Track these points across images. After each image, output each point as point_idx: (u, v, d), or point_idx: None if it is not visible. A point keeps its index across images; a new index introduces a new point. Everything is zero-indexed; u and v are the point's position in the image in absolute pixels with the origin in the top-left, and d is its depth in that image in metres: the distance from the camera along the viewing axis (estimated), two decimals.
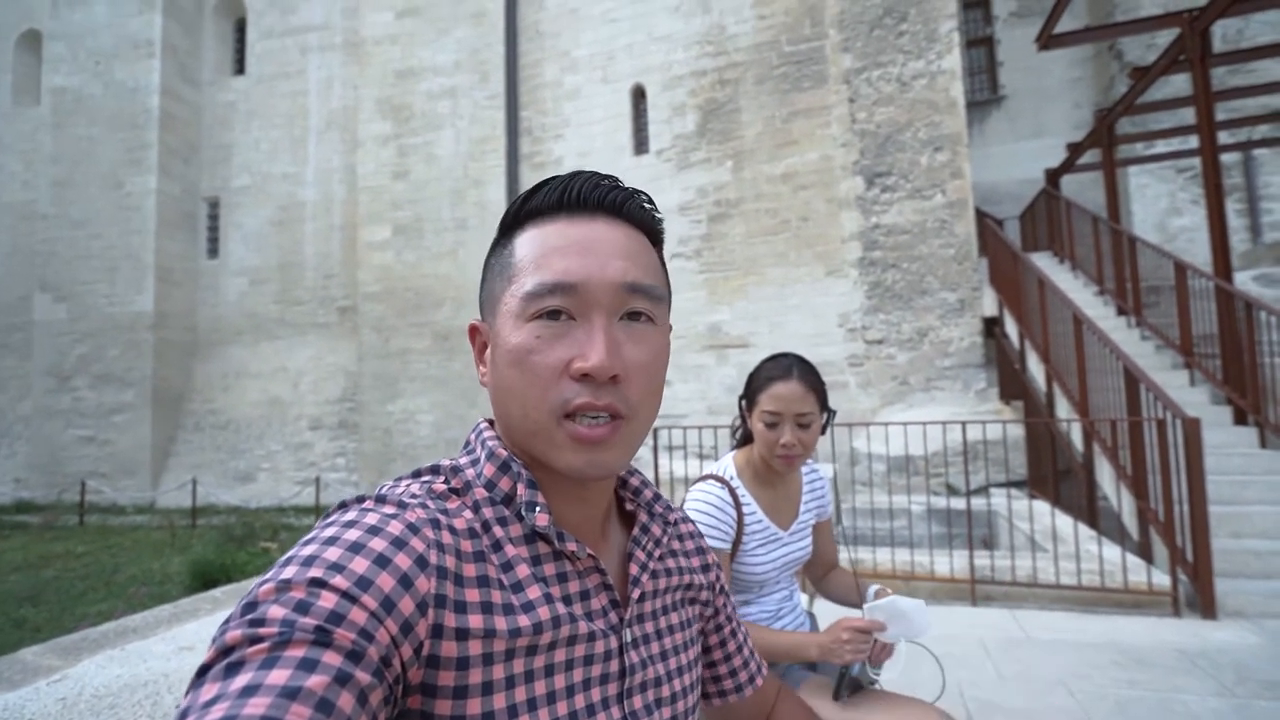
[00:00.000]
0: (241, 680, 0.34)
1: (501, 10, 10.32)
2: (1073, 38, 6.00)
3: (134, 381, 11.72)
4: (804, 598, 1.71)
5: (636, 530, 0.61)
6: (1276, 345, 4.45)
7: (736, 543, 1.32)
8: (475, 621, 0.45)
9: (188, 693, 0.36)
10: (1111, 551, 3.67)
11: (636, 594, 0.57)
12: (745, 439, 1.45)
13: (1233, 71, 7.77)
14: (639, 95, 9.69)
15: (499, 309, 0.53)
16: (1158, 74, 5.89)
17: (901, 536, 4.83)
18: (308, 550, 0.42)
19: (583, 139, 9.86)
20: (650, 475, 5.04)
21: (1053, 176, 8.61)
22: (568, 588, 0.53)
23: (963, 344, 7.56)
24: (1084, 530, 4.07)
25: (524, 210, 0.55)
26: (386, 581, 0.41)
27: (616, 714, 0.53)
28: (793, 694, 0.78)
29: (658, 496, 0.65)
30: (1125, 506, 4.13)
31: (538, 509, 0.51)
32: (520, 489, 0.52)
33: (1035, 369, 6.11)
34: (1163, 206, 9.02)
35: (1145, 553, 3.78)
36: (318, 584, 0.39)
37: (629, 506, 0.64)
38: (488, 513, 0.51)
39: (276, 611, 0.38)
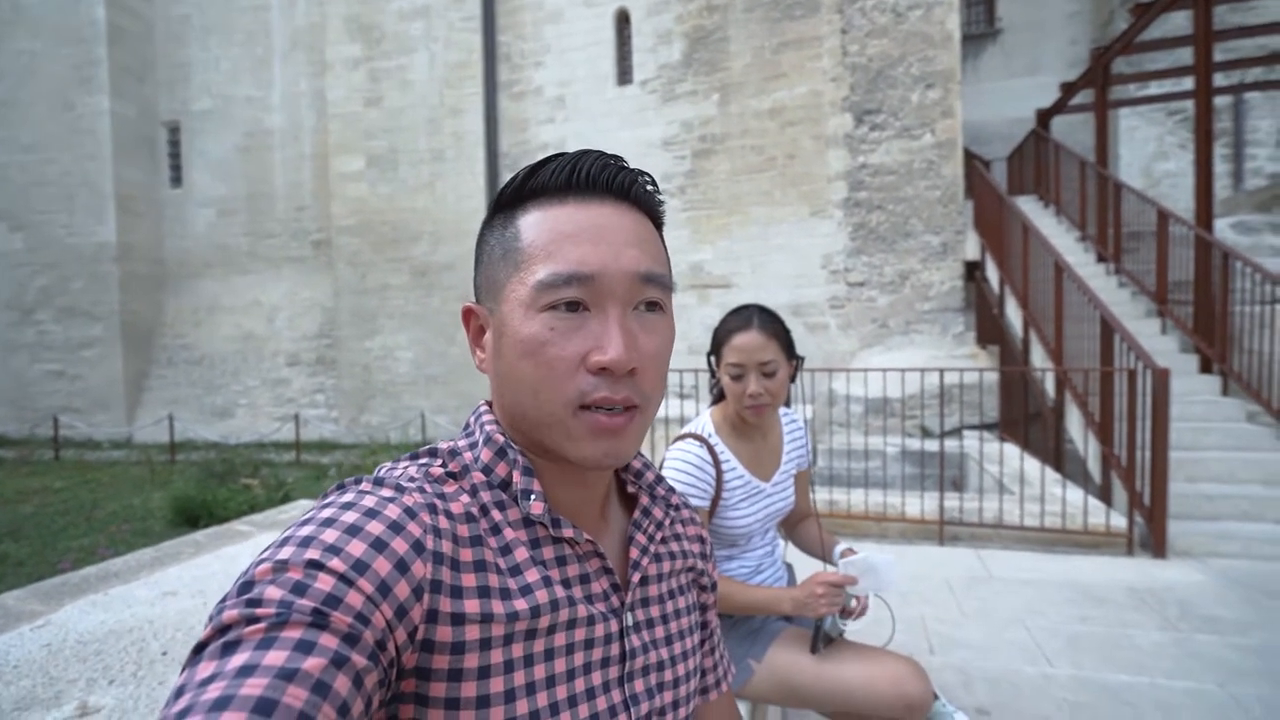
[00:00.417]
0: (238, 660, 0.34)
1: None
2: None
3: (101, 315, 11.40)
4: (782, 546, 1.75)
5: (638, 513, 0.60)
6: (1248, 294, 4.53)
7: (716, 499, 1.34)
8: (472, 606, 0.45)
9: (183, 670, 0.36)
10: (1074, 494, 3.83)
11: (637, 577, 0.57)
12: (721, 395, 1.45)
13: (1233, 9, 7.56)
14: (623, 20, 9.20)
15: (504, 295, 0.51)
16: (1160, 9, 5.70)
17: (875, 478, 4.98)
18: (305, 531, 0.42)
19: (564, 67, 9.40)
20: None
21: (1043, 117, 8.45)
22: (567, 571, 0.52)
23: (943, 288, 7.59)
24: (1050, 474, 4.23)
25: (527, 187, 0.52)
26: (383, 565, 0.41)
27: (617, 697, 0.53)
28: (739, 715, 0.76)
29: (659, 479, 0.64)
30: (1090, 451, 4.28)
31: (533, 496, 0.51)
32: (516, 476, 0.52)
33: (1013, 314, 6.19)
34: (1150, 150, 8.97)
35: (1105, 496, 3.95)
36: (315, 566, 0.39)
37: (630, 489, 0.63)
38: (485, 496, 0.51)
39: (273, 592, 0.38)
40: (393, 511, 0.44)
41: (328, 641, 0.36)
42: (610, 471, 0.59)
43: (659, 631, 0.59)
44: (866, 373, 4.88)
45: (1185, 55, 7.38)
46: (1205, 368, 4.80)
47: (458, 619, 0.45)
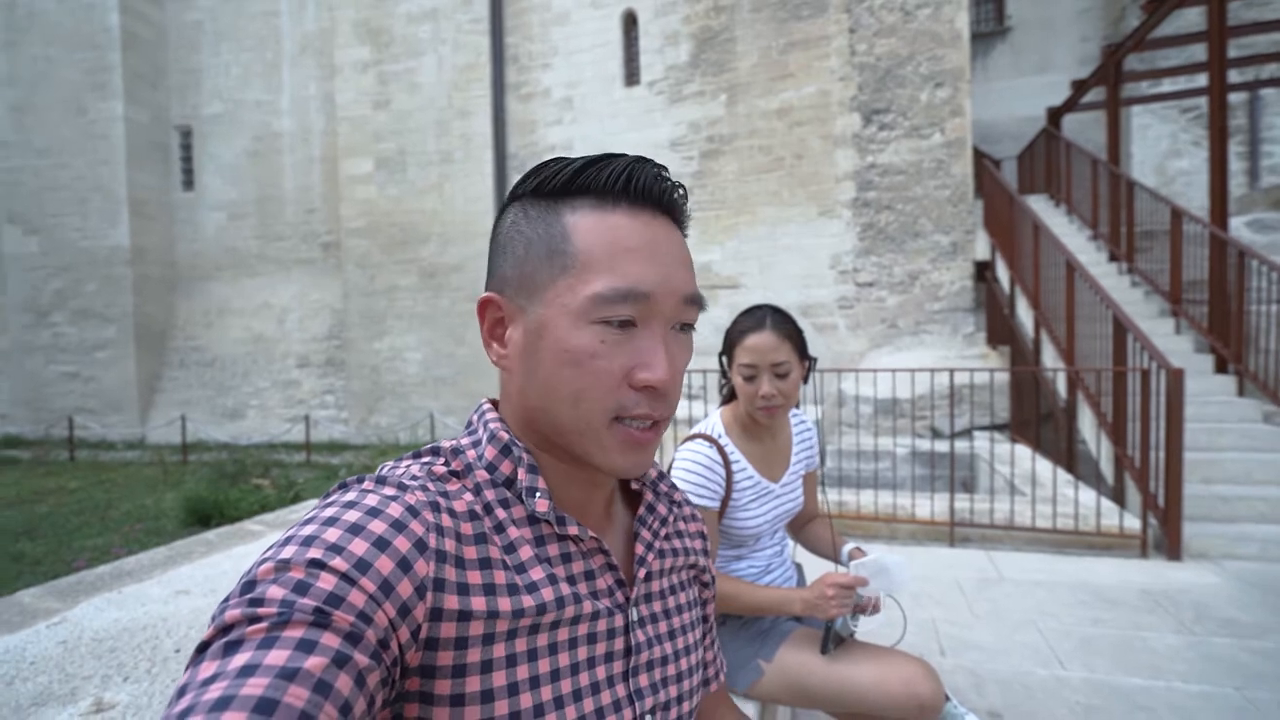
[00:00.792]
0: (240, 659, 0.34)
1: None
2: None
3: (114, 317, 11.53)
4: (791, 546, 1.75)
5: (642, 510, 0.61)
6: (1264, 293, 4.47)
7: (726, 500, 1.33)
8: (479, 603, 0.45)
9: (186, 669, 0.36)
10: (1087, 495, 3.79)
11: (642, 573, 0.57)
12: (732, 395, 1.44)
13: (1247, 5, 7.48)
14: (630, 21, 9.21)
15: (547, 297, 0.50)
16: (1173, 6, 5.65)
17: (885, 478, 4.95)
18: (307, 530, 0.41)
19: (571, 69, 9.42)
20: None
21: (1054, 115, 8.39)
22: (572, 568, 0.52)
23: (953, 288, 7.54)
24: (1062, 475, 4.19)
25: (576, 184, 0.50)
26: (385, 564, 0.41)
27: (621, 691, 0.53)
28: (735, 707, 0.78)
29: (662, 475, 0.65)
30: (1103, 452, 4.24)
31: (538, 494, 0.51)
32: (521, 473, 0.52)
33: (1024, 314, 6.13)
34: (1163, 148, 8.88)
35: (1119, 497, 3.91)
36: (317, 565, 0.39)
37: (634, 485, 0.63)
38: (489, 495, 0.51)
39: (275, 591, 0.37)
40: (395, 510, 0.44)
41: (329, 641, 0.36)
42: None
43: (663, 626, 0.59)
44: (876, 373, 4.85)
45: (1198, 52, 7.31)
46: (1221, 368, 4.74)
47: (464, 615, 0.45)
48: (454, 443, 0.55)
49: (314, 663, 0.35)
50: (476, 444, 0.54)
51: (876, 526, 3.70)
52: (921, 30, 7.58)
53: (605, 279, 0.48)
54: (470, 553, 0.47)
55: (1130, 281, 6.04)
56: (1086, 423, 4.55)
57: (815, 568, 1.68)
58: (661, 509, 0.62)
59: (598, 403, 0.49)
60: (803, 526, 1.59)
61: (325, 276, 11.53)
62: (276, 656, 0.34)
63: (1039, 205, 7.77)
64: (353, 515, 0.43)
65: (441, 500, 0.48)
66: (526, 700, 0.46)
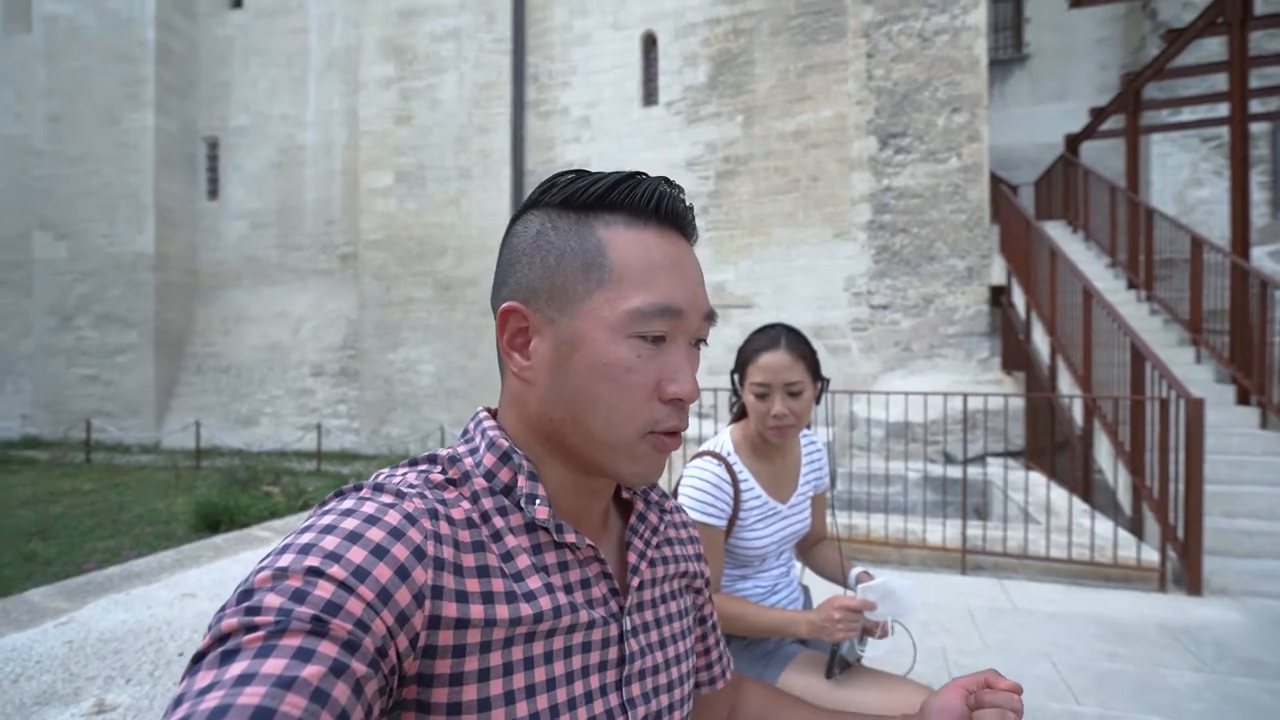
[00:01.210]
0: (237, 668, 0.34)
1: None
2: None
3: (136, 322, 11.74)
4: (797, 568, 1.72)
5: (634, 519, 0.61)
6: None
7: (733, 519, 1.32)
8: (476, 611, 0.45)
9: (183, 679, 0.36)
10: (1103, 526, 3.71)
11: (635, 582, 0.58)
12: (741, 413, 1.43)
13: (1270, 35, 7.46)
14: (650, 43, 9.35)
15: (582, 310, 0.50)
16: (1193, 36, 5.65)
17: (896, 503, 4.89)
18: (305, 538, 0.41)
19: (590, 88, 9.56)
20: None
21: (1072, 142, 8.37)
22: (568, 576, 0.53)
23: (968, 312, 7.49)
24: (1078, 504, 4.11)
25: (608, 199, 0.51)
26: (383, 572, 0.41)
27: (614, 700, 0.53)
28: (749, 680, 0.80)
29: (653, 484, 0.65)
30: (1120, 482, 4.16)
31: (538, 501, 0.51)
32: (521, 480, 0.52)
33: (1040, 340, 6.07)
34: (1183, 177, 8.81)
35: (1136, 528, 3.82)
36: (314, 573, 0.39)
37: (625, 494, 0.64)
38: (487, 503, 0.51)
39: (273, 600, 0.37)
40: (393, 518, 0.44)
41: (327, 649, 0.36)
42: (614, 482, 0.59)
43: (654, 636, 0.59)
44: (888, 396, 4.82)
45: (1219, 81, 7.27)
46: (1243, 399, 4.66)
47: (461, 623, 0.45)
48: (450, 451, 0.55)
49: (311, 671, 0.35)
50: (474, 452, 0.54)
51: (887, 551, 3.64)
52: (939, 56, 7.62)
53: (644, 294, 0.50)
54: (468, 560, 0.47)
55: (1149, 310, 5.97)
56: (1103, 451, 4.47)
57: (822, 591, 1.65)
58: (652, 518, 0.62)
59: (631, 416, 0.50)
60: (810, 548, 1.57)
61: (342, 287, 11.68)
62: (274, 665, 0.34)
63: (1056, 231, 7.72)
64: (350, 523, 0.43)
65: (439, 507, 0.48)
66: (522, 709, 0.46)
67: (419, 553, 0.44)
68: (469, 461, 0.53)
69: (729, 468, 1.34)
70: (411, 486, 0.49)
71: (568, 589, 0.52)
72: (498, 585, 0.47)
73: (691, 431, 5.06)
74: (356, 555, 0.41)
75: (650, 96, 9.32)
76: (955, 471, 5.12)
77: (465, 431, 0.57)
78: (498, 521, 0.50)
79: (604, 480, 0.56)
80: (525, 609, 0.47)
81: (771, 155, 8.48)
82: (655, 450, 0.52)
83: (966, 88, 7.51)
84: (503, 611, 0.46)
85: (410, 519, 0.45)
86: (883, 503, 4.57)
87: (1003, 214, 7.51)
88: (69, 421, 11.86)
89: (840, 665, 1.23)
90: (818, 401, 1.35)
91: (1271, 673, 2.33)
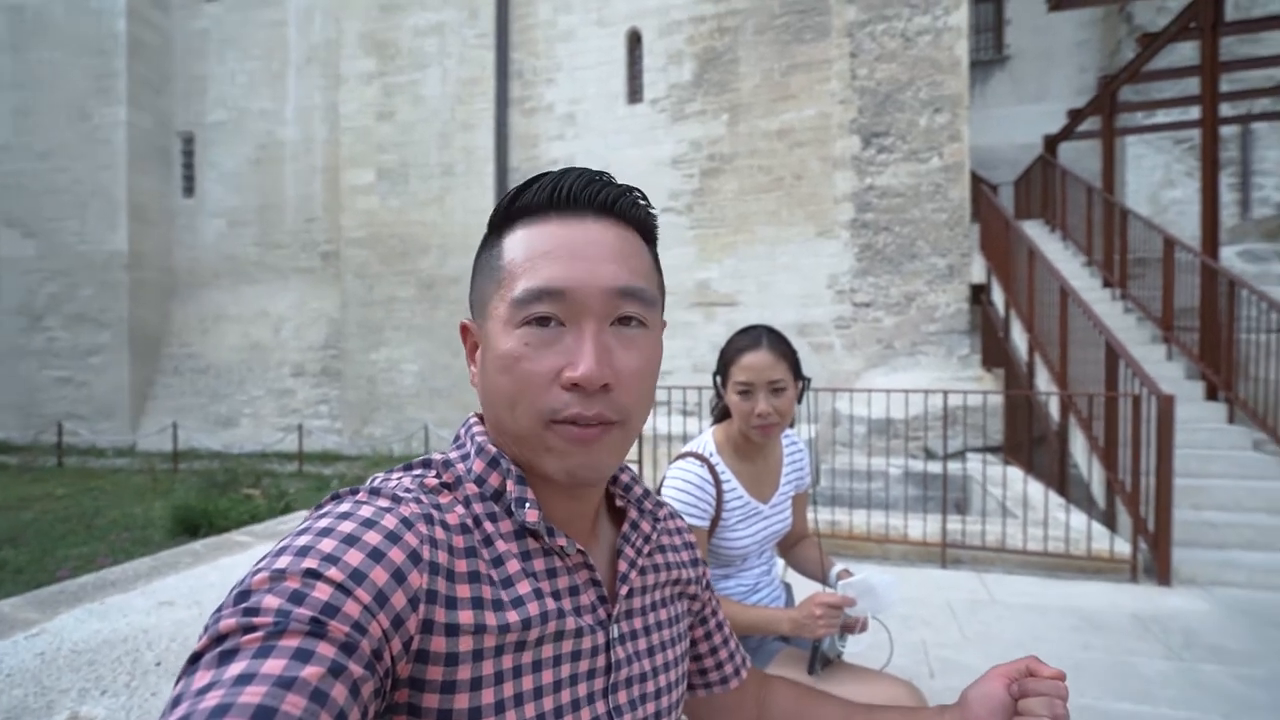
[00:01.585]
0: (236, 668, 0.34)
1: None
2: None
3: (109, 323, 11.49)
4: (779, 566, 1.74)
5: (626, 527, 0.61)
6: (1254, 322, 4.51)
7: (715, 519, 1.33)
8: (466, 617, 0.46)
9: (179, 680, 0.36)
10: (1078, 519, 3.79)
11: (625, 590, 0.58)
12: (723, 414, 1.45)
13: (1241, 41, 7.63)
14: (635, 40, 9.33)
15: (489, 312, 0.53)
16: (1167, 40, 5.76)
17: (878, 499, 4.95)
18: (302, 540, 0.42)
19: (575, 85, 9.52)
20: None
21: (1051, 143, 8.51)
22: (557, 583, 0.53)
23: (949, 310, 7.59)
24: (1054, 498, 4.19)
25: (513, 208, 0.53)
26: (380, 575, 0.41)
27: (601, 708, 0.53)
28: (778, 679, 0.79)
29: (647, 493, 0.65)
30: (1095, 476, 4.24)
31: (527, 505, 0.51)
32: (510, 485, 0.52)
33: (1018, 338, 6.17)
34: (1157, 178, 8.99)
35: (1110, 521, 3.91)
36: (312, 575, 0.39)
37: (619, 502, 0.64)
38: (478, 508, 0.51)
39: (271, 601, 0.38)
40: (390, 521, 0.44)
41: (325, 650, 0.36)
42: (601, 487, 0.59)
43: (643, 643, 0.59)
44: (870, 393, 4.87)
45: (1192, 85, 7.43)
46: (1211, 395, 4.77)
47: (452, 630, 0.45)
48: (443, 456, 0.56)
49: (310, 672, 0.35)
50: (465, 457, 0.55)
51: (868, 546, 3.69)
52: (921, 57, 7.70)
53: (522, 282, 0.50)
54: (461, 566, 0.47)
55: (1123, 308, 6.09)
56: (1078, 446, 4.56)
57: (804, 588, 1.67)
58: (645, 526, 0.62)
59: (530, 405, 0.49)
60: (791, 547, 1.58)
61: (323, 286, 11.53)
62: (273, 665, 0.35)
63: (1034, 231, 7.84)
64: (348, 526, 0.43)
65: (435, 513, 0.48)
66: (511, 718, 0.47)
67: (415, 557, 0.44)
68: (461, 467, 0.54)
69: (711, 469, 1.35)
70: (407, 491, 0.50)
71: (556, 595, 0.52)
72: (487, 592, 0.48)
73: (676, 429, 5.07)
74: (354, 558, 0.41)
75: (635, 94, 9.31)
76: (936, 467, 5.19)
77: (457, 437, 0.58)
78: (488, 527, 0.51)
79: (550, 478, 0.55)
80: (513, 616, 0.48)
81: (756, 154, 8.51)
82: (567, 442, 0.49)
83: (948, 88, 7.60)
84: (491, 618, 0.47)
85: (407, 523, 0.45)
86: (865, 499, 4.62)
87: (983, 213, 7.61)
88: (40, 425, 11.59)
89: (821, 661, 1.24)
90: (799, 400, 1.37)
91: (1236, 659, 2.40)
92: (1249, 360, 4.50)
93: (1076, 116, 8.01)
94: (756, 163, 8.50)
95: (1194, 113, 7.25)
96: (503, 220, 0.54)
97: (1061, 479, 4.89)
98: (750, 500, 1.38)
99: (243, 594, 0.39)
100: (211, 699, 0.33)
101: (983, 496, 4.64)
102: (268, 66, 11.79)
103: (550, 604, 0.50)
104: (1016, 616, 2.79)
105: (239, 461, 9.21)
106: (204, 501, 5.80)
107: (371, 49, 10.39)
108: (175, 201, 12.31)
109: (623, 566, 0.58)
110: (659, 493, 1.34)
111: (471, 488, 0.52)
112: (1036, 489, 4.23)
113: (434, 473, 0.54)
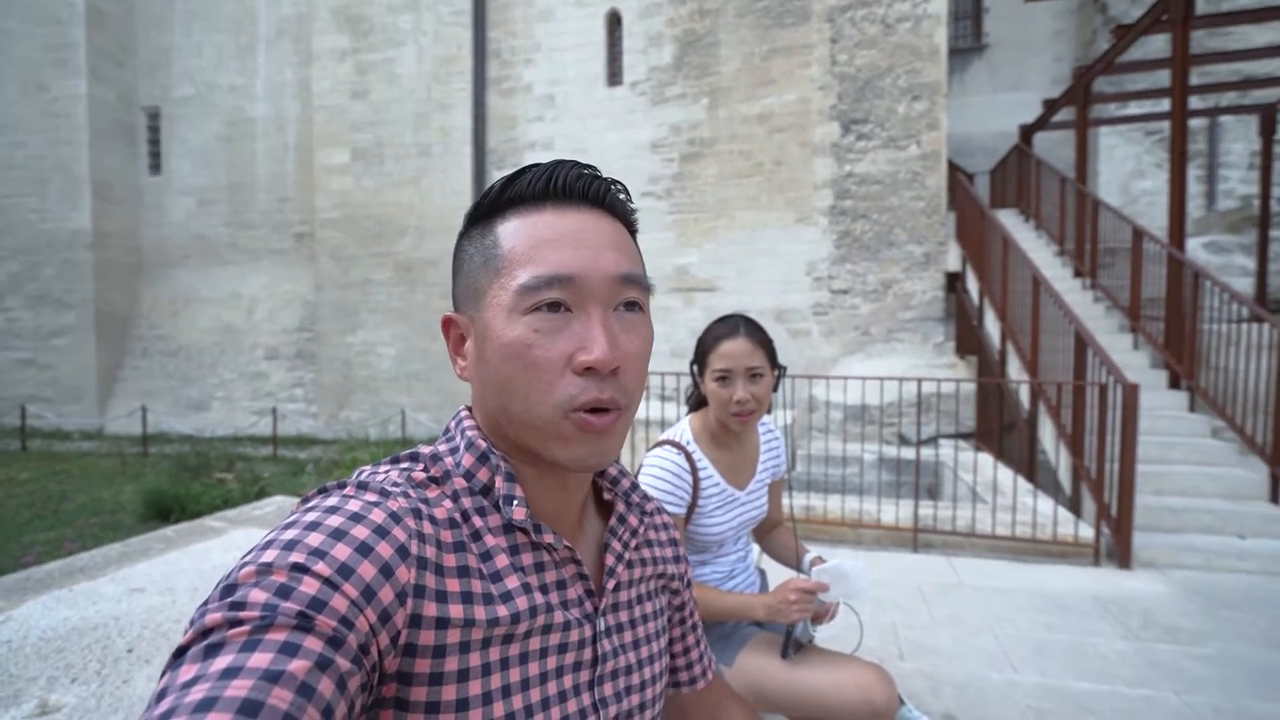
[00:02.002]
0: (222, 662, 0.34)
1: None
2: None
3: (74, 304, 11.16)
4: (755, 552, 1.77)
5: (614, 520, 0.61)
6: (1216, 313, 4.65)
7: (692, 506, 1.35)
8: (456, 611, 0.46)
9: (164, 674, 0.36)
10: (1045, 504, 3.90)
11: (611, 584, 0.58)
12: (699, 403, 1.46)
13: (1211, 35, 7.77)
14: (614, 21, 9.21)
15: (486, 301, 0.52)
16: (1139, 32, 5.84)
17: (852, 484, 5.04)
18: (289, 534, 0.42)
19: (554, 66, 9.38)
20: None
21: (1026, 133, 8.61)
22: (545, 577, 0.53)
23: (925, 297, 7.69)
24: (1022, 484, 4.30)
25: (504, 198, 0.53)
26: (368, 570, 0.41)
27: (586, 700, 0.54)
28: (740, 700, 0.80)
29: (635, 486, 0.66)
30: (1062, 463, 4.36)
31: (515, 502, 0.52)
32: (498, 481, 0.52)
33: (992, 326, 6.28)
34: (1128, 169, 9.15)
35: (1075, 507, 4.03)
36: (300, 569, 0.39)
37: (606, 495, 0.64)
38: (466, 502, 0.52)
39: (258, 595, 0.37)
40: (378, 516, 0.45)
41: (312, 644, 0.36)
42: (589, 477, 0.60)
43: (628, 636, 0.60)
44: (846, 380, 4.94)
45: (1164, 77, 7.56)
46: (1174, 384, 4.92)
47: (441, 623, 0.45)
48: (432, 449, 0.56)
49: (297, 666, 0.35)
50: (454, 451, 0.55)
51: (842, 531, 3.76)
52: (901, 44, 7.72)
53: (530, 269, 0.50)
54: (449, 560, 0.48)
55: (1093, 297, 6.22)
56: (1047, 434, 4.68)
57: (778, 574, 1.70)
58: (633, 520, 0.63)
59: (545, 394, 0.49)
60: (767, 533, 1.61)
61: (297, 267, 11.30)
62: (260, 659, 0.34)
63: (1009, 220, 7.96)
64: (335, 520, 0.43)
65: (423, 507, 0.48)
66: (499, 709, 0.47)
67: (403, 551, 0.44)
68: (450, 461, 0.54)
69: (688, 456, 1.36)
70: (395, 485, 0.50)
71: (544, 589, 0.52)
72: (476, 586, 0.48)
73: (655, 414, 5.09)
74: (341, 552, 0.41)
75: (615, 76, 9.20)
76: (909, 453, 5.29)
77: (447, 430, 0.58)
78: (477, 521, 0.51)
79: (575, 474, 0.56)
80: (502, 610, 0.48)
81: (736, 138, 8.49)
82: (582, 431, 0.50)
83: (927, 75, 7.64)
84: (480, 612, 0.47)
85: (395, 517, 0.45)
86: (840, 484, 4.70)
87: (959, 202, 7.70)
88: (1, 408, 11.25)
89: (795, 646, 1.27)
90: (775, 388, 1.38)
91: (1190, 639, 2.51)
92: (1210, 350, 4.64)
93: (1051, 106, 8.10)
94: (736, 148, 8.49)
95: (1165, 105, 7.38)
96: (491, 210, 0.54)
97: (1030, 465, 5.02)
98: (727, 487, 1.40)
99: (229, 588, 0.39)
100: (197, 692, 0.33)
101: (954, 482, 4.74)
102: (235, 40, 11.42)
103: (539, 598, 0.51)
104: (984, 599, 2.88)
105: (211, 445, 9.06)
106: (176, 486, 5.71)
107: (344, 24, 10.11)
108: (142, 179, 11.93)
109: (610, 560, 0.59)
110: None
111: (460, 482, 0.52)
112: (1006, 475, 4.34)
113: (421, 466, 0.54)
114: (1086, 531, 3.50)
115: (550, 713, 0.51)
